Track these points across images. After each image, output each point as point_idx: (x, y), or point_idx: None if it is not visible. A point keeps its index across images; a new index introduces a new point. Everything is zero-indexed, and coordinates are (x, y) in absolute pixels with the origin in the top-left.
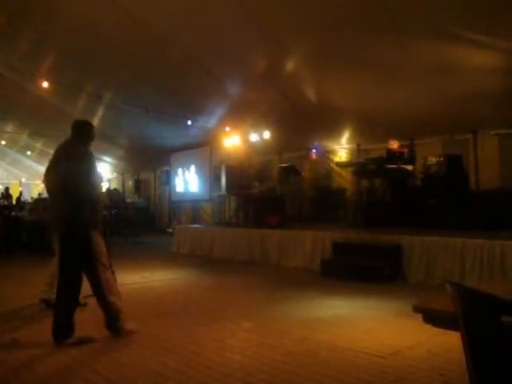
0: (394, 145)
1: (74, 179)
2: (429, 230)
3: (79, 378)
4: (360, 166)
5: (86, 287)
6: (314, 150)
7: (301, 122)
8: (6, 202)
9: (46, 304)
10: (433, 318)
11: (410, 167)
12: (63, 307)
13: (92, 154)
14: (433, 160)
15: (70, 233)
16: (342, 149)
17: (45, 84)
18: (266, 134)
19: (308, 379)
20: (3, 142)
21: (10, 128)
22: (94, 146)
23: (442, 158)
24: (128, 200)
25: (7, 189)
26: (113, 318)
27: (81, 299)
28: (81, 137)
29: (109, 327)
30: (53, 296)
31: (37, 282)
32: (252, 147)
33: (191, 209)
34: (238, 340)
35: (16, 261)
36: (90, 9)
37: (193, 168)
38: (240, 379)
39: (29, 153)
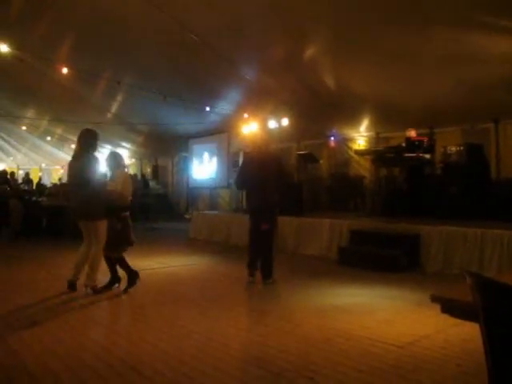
0: (413, 134)
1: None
2: (448, 220)
3: (97, 360)
4: (379, 155)
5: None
6: (332, 138)
7: (319, 110)
8: (26, 187)
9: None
10: (451, 308)
11: (429, 156)
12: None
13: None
14: (453, 149)
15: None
16: (360, 137)
17: (64, 70)
18: (285, 121)
19: (324, 367)
20: (24, 128)
21: (30, 114)
22: (114, 132)
23: (462, 148)
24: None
25: (27, 174)
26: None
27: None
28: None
29: None
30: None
31: (56, 265)
32: (270, 134)
33: (209, 195)
34: (253, 327)
35: (36, 244)
36: None
37: (211, 155)
38: (255, 365)
39: (49, 138)
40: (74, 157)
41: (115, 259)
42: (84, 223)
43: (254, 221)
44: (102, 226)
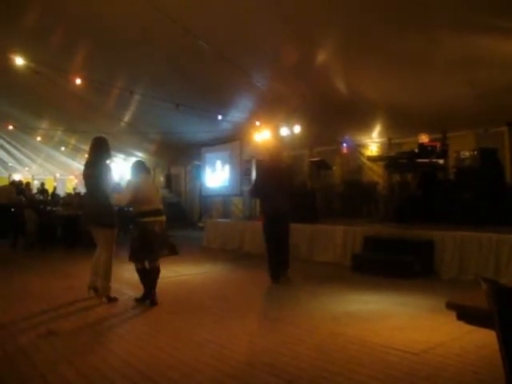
0: (425, 139)
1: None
2: (462, 225)
3: (111, 369)
4: (391, 160)
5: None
6: (344, 144)
7: (331, 116)
8: (41, 197)
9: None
10: (467, 315)
11: (442, 161)
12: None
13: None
14: (466, 154)
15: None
16: (373, 143)
17: (78, 81)
18: (297, 129)
19: (338, 374)
20: (38, 139)
21: (45, 125)
22: (126, 141)
23: (475, 152)
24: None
25: (42, 184)
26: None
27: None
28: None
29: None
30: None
31: (71, 274)
32: (282, 141)
33: (222, 203)
34: (266, 334)
35: (51, 255)
36: (122, 5)
37: (223, 163)
38: (269, 373)
39: (63, 148)
40: (86, 165)
41: (137, 270)
42: (94, 230)
43: (271, 226)
44: (111, 234)
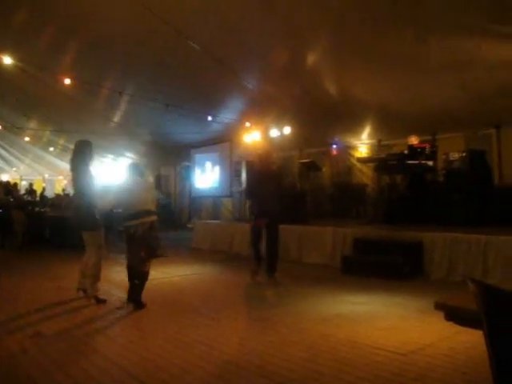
0: (414, 141)
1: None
2: (451, 227)
3: (100, 371)
4: (381, 162)
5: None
6: (334, 146)
7: (321, 118)
8: (30, 198)
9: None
10: (454, 315)
11: (431, 163)
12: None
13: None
14: (455, 155)
15: None
16: (362, 144)
17: (67, 80)
18: (287, 130)
19: (328, 375)
20: (27, 139)
21: (33, 125)
22: (116, 142)
23: (464, 154)
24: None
25: (31, 185)
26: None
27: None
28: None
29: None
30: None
31: (59, 275)
32: (272, 143)
33: (211, 204)
34: (256, 336)
35: (39, 256)
36: (113, 6)
37: (213, 164)
38: (259, 374)
39: (51, 149)
40: (70, 168)
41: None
42: (82, 233)
43: (259, 228)
44: (96, 236)
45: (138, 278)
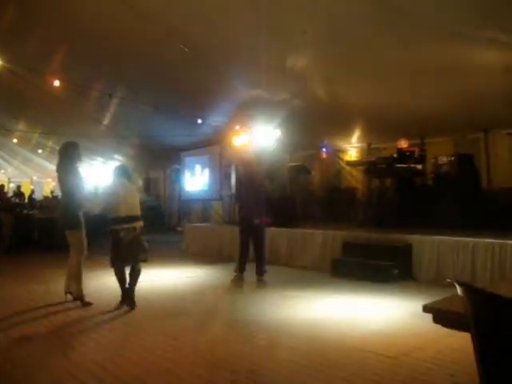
0: (404, 144)
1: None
2: (439, 230)
3: (89, 375)
4: (370, 165)
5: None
6: (324, 149)
7: (311, 121)
8: (18, 200)
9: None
10: (442, 318)
11: (420, 166)
12: None
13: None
14: (444, 159)
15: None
16: (352, 148)
17: (56, 82)
18: (277, 133)
19: (317, 379)
20: (15, 141)
21: (22, 126)
22: (106, 144)
23: (453, 158)
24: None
25: (19, 187)
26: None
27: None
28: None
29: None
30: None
31: (46, 278)
32: (262, 146)
33: (201, 208)
34: (246, 339)
35: (27, 258)
36: (102, 7)
37: (203, 167)
38: (248, 378)
39: (40, 151)
40: (56, 169)
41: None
42: (66, 233)
43: (245, 232)
44: (78, 236)
45: (130, 278)
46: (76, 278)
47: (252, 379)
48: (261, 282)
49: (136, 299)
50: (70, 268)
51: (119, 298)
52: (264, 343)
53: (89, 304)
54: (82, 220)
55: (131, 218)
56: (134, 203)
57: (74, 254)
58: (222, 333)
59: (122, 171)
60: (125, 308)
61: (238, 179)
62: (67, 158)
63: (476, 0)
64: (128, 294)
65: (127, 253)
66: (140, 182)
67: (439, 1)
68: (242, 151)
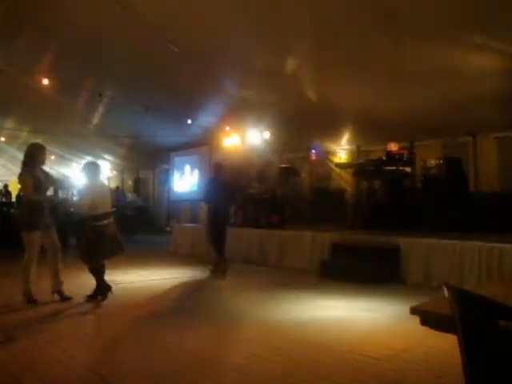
0: (393, 147)
1: None
2: (428, 233)
3: (72, 374)
4: (359, 168)
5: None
6: (313, 151)
7: (301, 123)
8: (4, 199)
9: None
10: (430, 320)
11: (409, 169)
12: None
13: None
14: (432, 162)
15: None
16: (341, 150)
17: (45, 81)
18: (266, 135)
19: (305, 381)
20: (2, 139)
21: (10, 125)
22: (95, 144)
23: (441, 161)
24: (127, 199)
25: (6, 186)
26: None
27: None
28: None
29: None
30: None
31: (34, 278)
32: (252, 147)
33: (190, 208)
34: (234, 341)
35: (15, 258)
36: (92, 6)
37: (192, 167)
38: (236, 380)
39: None
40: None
41: (89, 270)
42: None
43: (209, 227)
44: (27, 238)
45: (101, 271)
46: (22, 278)
47: (238, 380)
48: (221, 275)
49: (124, 300)
50: (48, 267)
51: (89, 293)
52: (253, 345)
53: (34, 302)
54: (28, 220)
55: (109, 214)
56: (108, 200)
57: (25, 254)
58: (210, 334)
59: (94, 168)
60: (98, 299)
61: (208, 180)
62: (24, 157)
63: (465, 5)
64: (107, 286)
65: (112, 245)
66: (129, 182)
67: (429, 5)
68: (233, 151)
